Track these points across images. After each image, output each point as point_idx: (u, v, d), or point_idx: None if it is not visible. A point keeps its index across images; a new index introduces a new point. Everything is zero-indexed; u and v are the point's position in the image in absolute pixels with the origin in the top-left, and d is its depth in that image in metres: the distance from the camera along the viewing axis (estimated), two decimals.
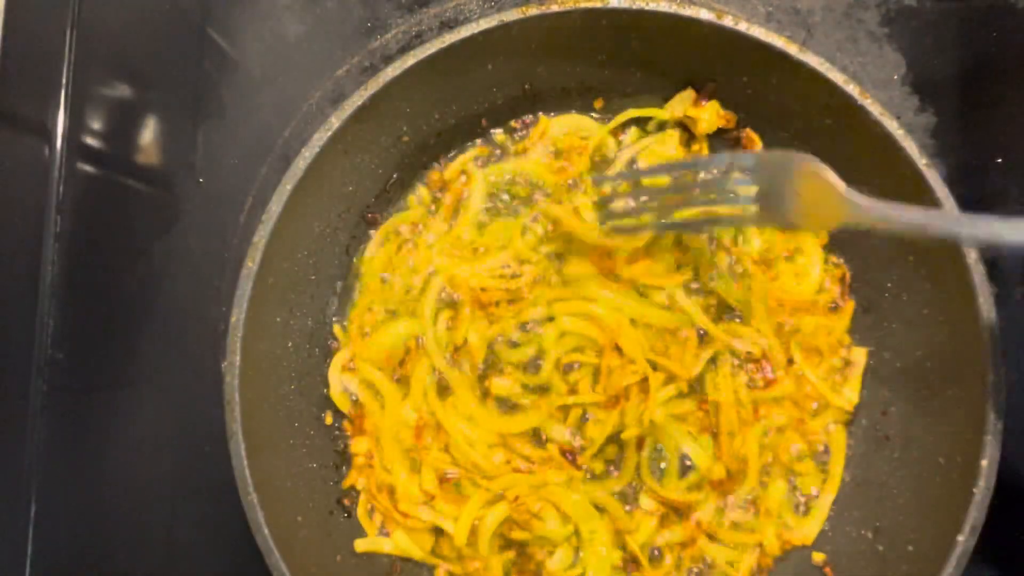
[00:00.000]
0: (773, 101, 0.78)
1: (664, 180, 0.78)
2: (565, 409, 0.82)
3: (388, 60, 0.87)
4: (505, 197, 0.87)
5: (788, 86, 0.75)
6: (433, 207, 0.87)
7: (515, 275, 0.84)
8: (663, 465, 0.82)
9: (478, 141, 0.88)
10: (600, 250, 0.83)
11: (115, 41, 0.93)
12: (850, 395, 0.81)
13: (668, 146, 0.85)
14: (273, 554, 0.70)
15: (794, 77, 0.74)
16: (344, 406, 0.84)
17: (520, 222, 0.85)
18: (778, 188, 0.67)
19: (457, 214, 0.86)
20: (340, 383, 0.84)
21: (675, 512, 0.81)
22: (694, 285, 0.84)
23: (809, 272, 0.83)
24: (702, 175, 0.75)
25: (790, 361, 0.82)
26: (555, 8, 0.74)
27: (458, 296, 0.84)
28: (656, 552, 0.81)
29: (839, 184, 0.64)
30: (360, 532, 0.82)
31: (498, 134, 0.88)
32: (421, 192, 0.87)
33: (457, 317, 0.84)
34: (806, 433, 0.82)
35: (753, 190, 0.70)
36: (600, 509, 0.80)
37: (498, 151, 0.88)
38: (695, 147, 0.85)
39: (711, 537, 0.81)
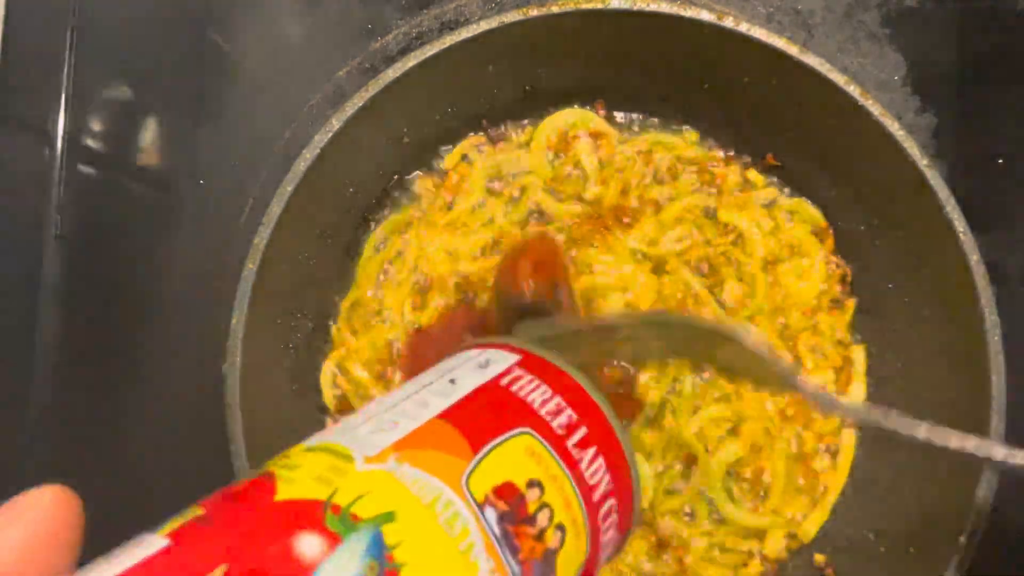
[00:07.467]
0: (773, 102, 0.78)
1: None
2: None
3: (389, 61, 0.87)
4: (503, 189, 0.86)
5: (789, 87, 0.75)
6: (433, 196, 0.86)
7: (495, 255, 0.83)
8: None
9: (481, 138, 0.87)
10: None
11: (115, 42, 0.93)
12: (857, 392, 0.81)
13: (686, 143, 0.86)
14: None
15: (795, 78, 0.73)
16: (334, 408, 0.84)
17: (502, 201, 0.84)
18: None
19: (455, 207, 0.86)
20: (331, 385, 0.84)
21: (661, 544, 0.79)
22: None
23: (811, 275, 0.83)
24: None
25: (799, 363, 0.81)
26: (555, 9, 0.73)
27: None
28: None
29: None
30: None
31: (499, 133, 0.87)
32: (421, 191, 0.87)
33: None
34: (821, 435, 0.81)
35: None
36: None
37: (499, 146, 0.87)
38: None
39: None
